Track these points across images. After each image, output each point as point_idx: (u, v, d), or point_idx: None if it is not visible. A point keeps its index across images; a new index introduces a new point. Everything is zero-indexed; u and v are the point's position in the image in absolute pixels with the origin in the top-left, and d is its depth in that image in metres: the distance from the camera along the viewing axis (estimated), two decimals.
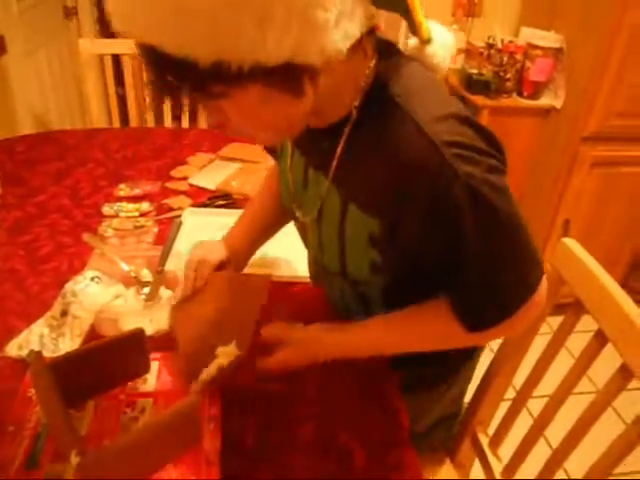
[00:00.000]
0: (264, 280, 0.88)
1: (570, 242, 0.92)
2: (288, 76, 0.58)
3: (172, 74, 0.57)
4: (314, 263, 0.94)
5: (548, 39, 1.94)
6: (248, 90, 0.58)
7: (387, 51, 0.72)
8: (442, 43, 0.75)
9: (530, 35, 2.00)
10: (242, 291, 0.88)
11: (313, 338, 0.84)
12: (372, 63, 0.70)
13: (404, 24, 0.75)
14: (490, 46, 2.00)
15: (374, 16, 0.65)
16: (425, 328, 0.82)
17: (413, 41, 0.75)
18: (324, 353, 0.83)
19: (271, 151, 1.04)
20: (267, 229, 1.07)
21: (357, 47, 0.64)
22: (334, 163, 0.75)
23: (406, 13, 0.68)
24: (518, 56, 1.98)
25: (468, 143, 0.65)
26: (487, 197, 0.65)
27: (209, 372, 0.78)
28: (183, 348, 0.85)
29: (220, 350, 0.79)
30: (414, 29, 0.71)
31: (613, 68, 1.79)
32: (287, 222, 1.05)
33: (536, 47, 1.95)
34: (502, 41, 2.00)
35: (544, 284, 0.75)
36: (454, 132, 0.65)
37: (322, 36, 0.56)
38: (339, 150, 0.74)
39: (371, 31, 0.67)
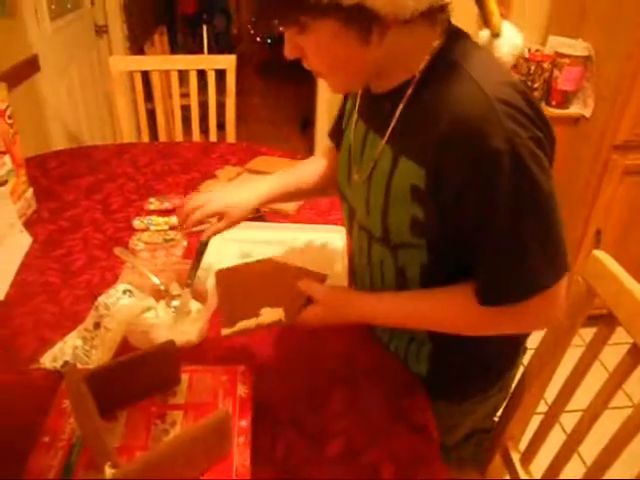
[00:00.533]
0: (321, 278, 0.90)
1: (601, 254, 0.90)
2: (358, 18, 0.65)
3: (265, 2, 0.70)
4: (358, 239, 0.94)
5: (576, 47, 1.92)
6: (324, 25, 0.67)
7: (458, 34, 0.76)
8: (510, 40, 0.78)
9: (558, 44, 1.98)
10: (295, 278, 0.89)
11: (342, 301, 0.88)
12: (442, 38, 0.74)
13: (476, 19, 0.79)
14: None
15: None
16: (445, 303, 0.83)
17: (484, 34, 0.79)
18: (350, 316, 0.88)
19: (333, 137, 1.09)
20: (288, 193, 1.08)
21: (427, 18, 0.70)
22: (392, 123, 0.78)
23: (480, 1, 0.74)
24: (546, 65, 1.96)
25: (520, 107, 0.67)
26: (527, 162, 0.66)
27: (247, 324, 0.83)
28: (223, 301, 0.89)
29: (265, 310, 0.84)
30: (485, 18, 0.76)
31: None
32: (316, 195, 1.15)
33: (564, 56, 1.93)
34: (529, 50, 1.98)
35: (564, 285, 0.75)
36: (509, 95, 0.67)
37: None
38: (399, 110, 0.77)
39: (443, 9, 0.72)
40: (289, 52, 0.76)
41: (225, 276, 0.94)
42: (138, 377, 0.79)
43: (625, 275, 0.86)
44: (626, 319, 0.84)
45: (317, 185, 1.10)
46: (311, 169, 1.12)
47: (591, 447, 0.93)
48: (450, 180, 0.71)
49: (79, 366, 0.88)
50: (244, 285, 0.92)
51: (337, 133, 1.05)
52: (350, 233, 1.00)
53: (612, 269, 0.88)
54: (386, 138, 0.80)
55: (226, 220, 0.99)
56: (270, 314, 0.84)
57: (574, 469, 0.97)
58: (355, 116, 0.92)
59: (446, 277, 0.81)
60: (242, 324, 0.83)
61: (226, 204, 0.99)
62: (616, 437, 0.86)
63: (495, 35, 0.77)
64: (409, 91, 0.76)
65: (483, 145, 0.66)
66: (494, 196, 0.68)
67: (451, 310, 0.83)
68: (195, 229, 1.29)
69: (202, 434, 0.68)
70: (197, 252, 1.01)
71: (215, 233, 1.00)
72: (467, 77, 0.69)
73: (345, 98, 1.00)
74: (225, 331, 0.83)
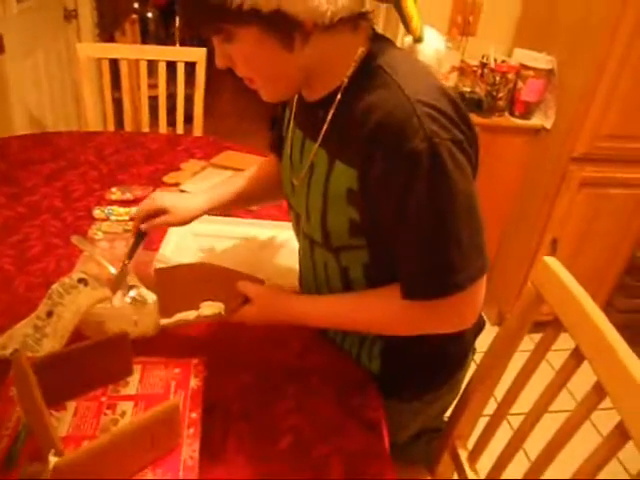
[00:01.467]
0: (259, 282, 0.93)
1: (551, 260, 0.93)
2: (279, 24, 0.68)
3: (190, 9, 0.71)
4: (302, 244, 0.96)
5: (540, 60, 1.97)
6: (247, 32, 0.70)
7: (382, 40, 0.79)
8: (432, 45, 0.82)
9: (523, 56, 2.03)
10: (235, 280, 0.92)
11: (275, 300, 0.91)
12: (367, 43, 0.77)
13: (402, 28, 0.81)
14: (484, 65, 2.04)
15: (367, 2, 0.73)
16: (370, 303, 0.86)
17: (408, 40, 0.82)
18: (283, 316, 0.91)
19: (273, 148, 1.11)
20: (224, 204, 1.11)
21: (349, 25, 0.73)
22: (324, 127, 0.81)
23: (398, 5, 0.76)
24: (510, 76, 2.01)
25: (441, 109, 0.70)
26: (445, 162, 0.69)
27: (187, 315, 0.86)
28: (163, 294, 0.91)
29: (205, 304, 0.87)
30: (405, 23, 0.78)
31: (602, 91, 1.82)
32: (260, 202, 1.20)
33: (528, 68, 1.99)
34: (495, 61, 2.03)
35: (482, 287, 0.78)
36: (431, 97, 0.71)
37: None
38: (330, 115, 0.80)
39: (365, 17, 0.74)
40: (219, 61, 0.78)
41: (165, 273, 0.96)
42: (89, 367, 0.79)
43: (571, 280, 0.89)
44: (571, 324, 0.87)
45: (253, 195, 1.13)
46: (241, 182, 1.13)
47: (536, 446, 0.96)
48: (374, 177, 0.74)
49: (29, 354, 0.87)
50: (184, 283, 0.94)
51: (277, 144, 1.07)
52: (298, 238, 1.02)
53: (560, 275, 0.91)
54: (319, 142, 0.82)
55: (167, 217, 1.03)
56: (210, 307, 0.87)
57: (519, 468, 1.00)
58: (292, 126, 0.93)
59: (390, 275, 0.83)
60: (181, 315, 0.86)
61: (172, 204, 1.03)
62: (556, 437, 0.89)
63: (417, 40, 0.81)
64: (338, 97, 0.78)
65: (403, 145, 0.69)
66: (411, 193, 0.70)
67: (375, 309, 0.86)
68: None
69: (150, 423, 0.68)
70: (135, 240, 1.04)
71: (154, 226, 1.04)
72: (390, 82, 0.72)
73: (283, 108, 1.01)
74: (163, 321, 0.86)
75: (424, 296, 0.78)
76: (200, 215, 1.07)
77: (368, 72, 0.75)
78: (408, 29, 0.79)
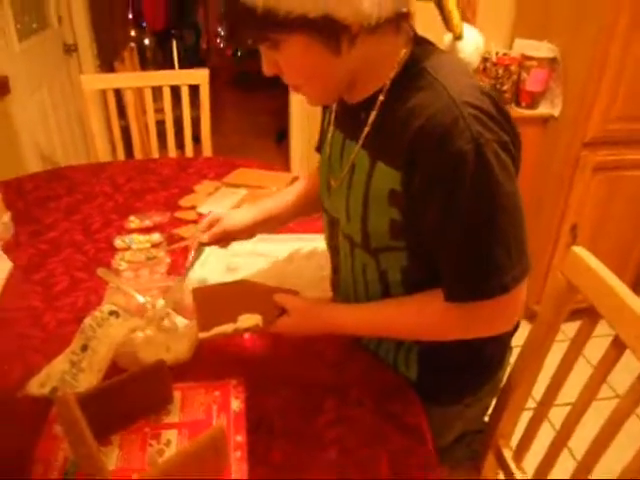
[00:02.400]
0: (293, 294, 0.94)
1: (580, 250, 0.92)
2: (326, 29, 0.68)
3: (237, 20, 0.71)
4: (342, 247, 0.96)
5: (542, 49, 1.97)
6: (294, 39, 0.70)
7: (423, 42, 0.80)
8: (471, 41, 0.83)
9: (524, 46, 2.02)
10: (270, 294, 0.93)
11: (313, 311, 0.91)
12: (409, 45, 0.78)
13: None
14: (485, 59, 2.03)
15: (409, 3, 0.74)
16: (412, 310, 0.86)
17: (447, 37, 0.83)
18: (322, 326, 0.91)
19: (319, 151, 1.10)
20: (272, 218, 1.13)
21: (392, 26, 0.74)
22: (366, 129, 0.81)
23: (440, 4, 0.77)
24: (513, 68, 2.00)
25: (486, 109, 0.70)
26: (490, 163, 0.69)
27: (225, 328, 0.87)
28: (201, 309, 0.92)
29: (243, 317, 0.88)
30: (446, 20, 0.79)
31: (609, 74, 1.81)
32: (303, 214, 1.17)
33: (530, 58, 1.98)
34: (497, 54, 2.02)
35: (525, 288, 0.77)
36: (477, 98, 0.71)
37: None
38: (372, 117, 0.80)
39: (407, 18, 0.75)
40: (267, 69, 0.78)
41: (202, 293, 0.97)
42: (129, 399, 0.79)
43: (605, 270, 0.88)
44: (608, 313, 0.86)
45: (296, 205, 1.14)
46: (291, 192, 1.16)
47: (580, 440, 0.95)
48: (419, 179, 0.73)
49: (68, 391, 0.87)
50: (221, 300, 0.94)
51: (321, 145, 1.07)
52: (332, 246, 1.01)
53: (592, 265, 0.90)
54: (361, 142, 0.82)
55: (222, 222, 1.06)
56: (247, 320, 0.87)
57: (565, 462, 0.99)
58: (332, 127, 0.94)
59: (428, 280, 0.83)
60: (219, 328, 0.87)
61: (226, 214, 1.08)
62: (603, 430, 0.88)
63: (457, 38, 0.81)
64: (381, 99, 0.79)
65: (450, 145, 0.69)
66: (458, 193, 0.70)
67: (415, 314, 0.85)
68: (176, 245, 1.30)
69: (198, 452, 0.68)
70: (196, 252, 1.06)
71: (212, 235, 1.05)
72: (435, 83, 0.72)
73: (323, 112, 1.02)
74: (201, 334, 0.87)
75: (468, 298, 0.77)
76: (252, 224, 1.09)
77: (411, 74, 0.76)
78: (449, 27, 0.81)
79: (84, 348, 0.93)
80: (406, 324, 0.87)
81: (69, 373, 0.91)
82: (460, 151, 0.68)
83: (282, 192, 1.19)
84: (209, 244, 1.07)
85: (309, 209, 1.15)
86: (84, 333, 0.94)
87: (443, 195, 0.72)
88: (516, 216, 0.73)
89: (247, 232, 1.09)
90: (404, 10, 0.73)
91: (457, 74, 0.75)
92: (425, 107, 0.71)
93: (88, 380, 0.90)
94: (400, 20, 0.74)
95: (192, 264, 1.06)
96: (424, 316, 0.85)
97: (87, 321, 0.95)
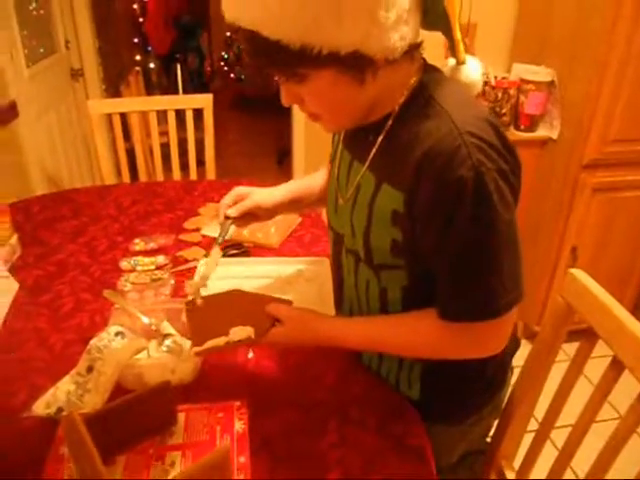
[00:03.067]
0: (287, 303, 0.94)
1: (578, 273, 0.94)
2: (355, 64, 0.71)
3: (267, 57, 0.72)
4: (346, 262, 0.97)
5: (539, 73, 2.01)
6: (323, 74, 0.72)
7: (432, 70, 0.84)
8: (474, 67, 0.86)
9: (522, 71, 2.06)
10: (263, 304, 0.93)
11: (307, 322, 0.91)
12: (419, 73, 0.81)
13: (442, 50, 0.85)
14: (485, 83, 2.07)
15: (419, 33, 0.77)
16: (407, 326, 0.87)
17: (450, 62, 0.86)
18: (315, 337, 0.91)
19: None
20: (302, 198, 1.16)
21: (408, 56, 0.76)
22: (373, 151, 0.84)
23: (448, 32, 0.80)
24: (512, 91, 2.04)
25: (488, 140, 0.73)
26: (489, 191, 0.71)
27: (217, 342, 0.87)
28: (193, 324, 0.92)
29: (235, 329, 0.88)
30: (453, 48, 0.83)
31: (605, 97, 1.84)
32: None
33: (528, 82, 2.02)
34: (495, 78, 2.06)
35: (515, 314, 0.80)
36: (479, 128, 0.73)
37: (383, 32, 0.69)
38: (380, 140, 0.83)
39: (418, 45, 0.78)
40: (287, 100, 0.81)
41: (194, 306, 0.96)
42: (135, 420, 0.80)
43: (603, 292, 0.90)
44: (606, 334, 0.87)
45: (323, 191, 1.15)
46: (319, 176, 1.18)
47: (584, 461, 0.95)
48: (421, 202, 0.76)
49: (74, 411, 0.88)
50: (213, 312, 0.94)
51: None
52: (336, 261, 1.03)
53: (590, 287, 0.91)
54: (367, 164, 0.85)
55: (252, 197, 1.07)
56: (239, 332, 0.87)
57: None
58: (340, 147, 0.97)
59: (426, 299, 0.84)
60: (212, 342, 0.87)
61: (253, 189, 1.09)
62: (605, 450, 0.88)
63: (462, 62, 0.85)
64: (389, 123, 0.81)
65: (451, 172, 0.71)
66: (456, 219, 0.73)
67: (409, 331, 0.87)
68: (182, 267, 1.31)
69: (202, 473, 0.69)
70: (222, 226, 1.05)
71: (241, 209, 1.05)
72: (441, 111, 0.75)
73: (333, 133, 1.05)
74: (195, 349, 0.87)
75: (461, 318, 0.80)
76: (280, 203, 1.10)
77: (419, 101, 0.79)
78: (455, 53, 0.83)
79: (90, 369, 0.94)
80: (399, 340, 0.89)
81: (74, 394, 0.92)
82: (461, 178, 0.70)
83: (310, 176, 1.20)
84: (236, 217, 1.06)
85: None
86: (90, 354, 0.95)
87: (443, 219, 0.74)
88: (512, 244, 0.76)
89: (272, 210, 1.11)
90: (418, 40, 0.77)
91: (463, 104, 0.78)
92: (430, 134, 0.74)
93: (94, 401, 0.91)
94: (414, 49, 0.78)
95: (221, 238, 1.05)
96: (417, 333, 0.86)
97: (93, 342, 0.96)
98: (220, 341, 0.88)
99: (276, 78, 0.78)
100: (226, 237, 1.05)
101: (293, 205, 1.14)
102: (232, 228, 1.06)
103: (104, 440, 0.75)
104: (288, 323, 0.90)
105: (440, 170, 0.72)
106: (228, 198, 1.07)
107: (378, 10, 0.67)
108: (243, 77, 5.26)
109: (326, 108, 0.80)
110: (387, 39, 0.70)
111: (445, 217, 0.74)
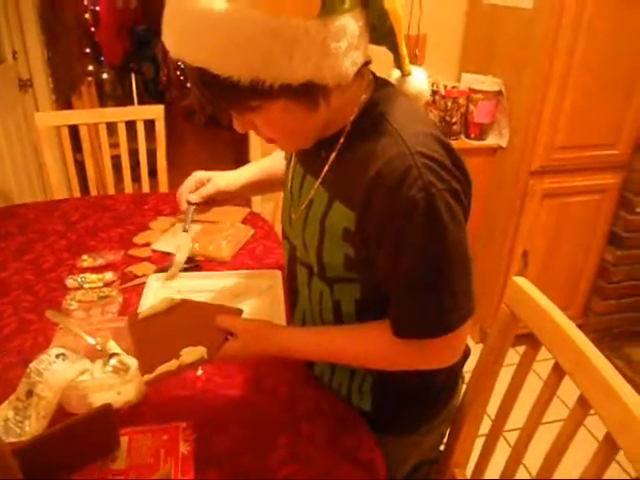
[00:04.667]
0: (237, 313, 0.92)
1: (520, 280, 0.96)
2: (307, 94, 0.71)
3: (217, 91, 0.71)
4: (300, 274, 0.97)
5: (487, 83, 2.06)
6: (276, 104, 0.71)
7: (382, 85, 0.84)
8: (420, 76, 0.87)
9: (471, 80, 2.11)
10: (212, 316, 0.90)
11: (262, 333, 0.90)
12: (370, 89, 0.82)
13: (389, 60, 0.86)
14: (434, 92, 2.11)
15: (368, 49, 0.77)
16: (360, 337, 0.88)
17: (396, 74, 0.87)
18: (270, 348, 0.90)
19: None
20: (269, 177, 1.17)
21: (358, 74, 0.75)
22: (326, 167, 0.84)
23: (394, 48, 0.81)
24: (461, 100, 2.08)
25: (439, 159, 0.73)
26: (440, 211, 0.72)
27: (168, 366, 0.82)
28: (140, 347, 0.88)
29: (186, 350, 0.84)
30: (399, 62, 0.84)
31: (549, 106, 1.90)
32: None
33: (477, 91, 2.07)
34: (445, 87, 2.10)
35: (468, 328, 0.81)
36: (430, 148, 0.74)
37: (335, 62, 0.69)
38: (332, 156, 0.83)
39: (367, 62, 0.78)
40: (240, 127, 0.80)
41: (139, 325, 0.93)
42: (75, 446, 0.78)
43: (544, 299, 0.92)
44: (547, 340, 0.90)
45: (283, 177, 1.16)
46: (279, 161, 1.17)
47: (537, 461, 0.96)
48: (372, 222, 0.76)
49: (12, 439, 0.85)
50: (160, 331, 0.91)
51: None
52: (291, 271, 1.03)
53: (531, 294, 0.93)
54: (320, 180, 0.85)
55: (212, 184, 1.08)
56: (191, 353, 0.84)
57: None
58: (294, 161, 0.97)
59: (380, 312, 0.85)
60: (163, 367, 0.82)
61: (214, 174, 1.10)
62: (552, 451, 0.90)
63: (407, 74, 0.86)
64: (341, 141, 0.82)
65: (402, 193, 0.71)
66: (407, 239, 0.73)
67: (365, 343, 0.87)
68: (131, 284, 1.28)
69: None
70: (187, 212, 1.06)
71: (204, 194, 1.07)
72: (392, 131, 0.76)
73: None
74: (146, 377, 0.82)
75: (414, 335, 0.81)
76: (247, 184, 1.12)
77: (370, 119, 0.79)
78: (401, 65, 0.84)
79: (29, 394, 0.91)
80: (355, 351, 0.89)
81: (13, 420, 0.89)
82: (412, 199, 0.71)
83: (271, 157, 1.20)
84: (199, 204, 1.07)
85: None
86: (29, 378, 0.92)
87: (394, 239, 0.75)
88: (463, 261, 0.77)
89: (236, 195, 1.11)
90: (367, 59, 0.77)
91: (413, 121, 0.78)
92: (381, 154, 0.74)
93: (34, 427, 0.88)
94: (362, 67, 0.77)
95: (187, 225, 1.05)
96: (374, 345, 0.87)
97: (33, 365, 0.93)
98: (171, 365, 0.83)
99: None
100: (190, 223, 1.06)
101: (257, 188, 1.16)
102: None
103: (43, 469, 0.73)
104: (244, 336, 0.88)
105: (391, 191, 0.72)
106: (188, 184, 1.08)
107: (329, 42, 0.67)
108: None
109: (280, 134, 0.81)
110: (339, 67, 0.70)
111: (396, 237, 0.74)
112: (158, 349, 0.87)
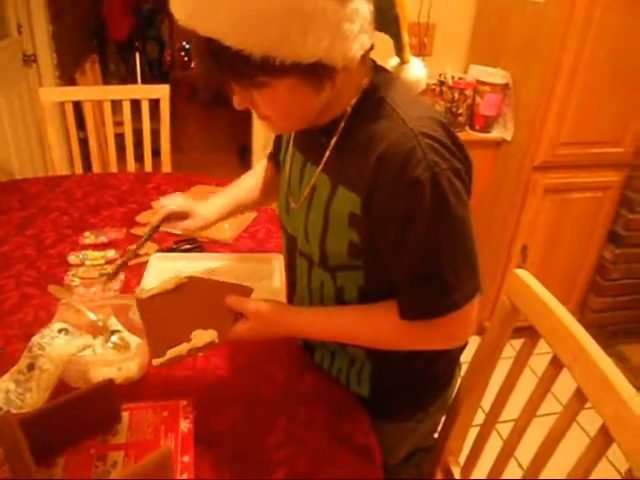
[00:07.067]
0: (247, 291, 0.90)
1: (522, 272, 0.96)
2: (315, 74, 0.70)
3: (224, 64, 0.69)
4: (299, 265, 0.97)
5: (495, 76, 2.04)
6: (282, 82, 0.70)
7: (382, 71, 0.85)
8: (417, 64, 0.88)
9: (478, 72, 2.10)
10: (222, 295, 0.88)
11: (274, 315, 0.89)
12: (370, 74, 0.82)
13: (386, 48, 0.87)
14: (442, 83, 2.10)
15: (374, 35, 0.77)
16: (370, 317, 0.88)
17: (394, 61, 0.88)
18: (281, 329, 0.90)
19: (276, 163, 1.14)
20: (239, 207, 1.19)
21: (362, 59, 0.75)
22: (327, 153, 0.84)
23: (396, 35, 0.82)
24: (468, 92, 2.08)
25: (441, 140, 0.74)
26: (445, 190, 0.72)
27: (179, 350, 0.83)
28: (150, 330, 0.87)
29: (196, 333, 0.84)
30: (400, 49, 0.84)
31: (556, 102, 1.89)
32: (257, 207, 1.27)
33: (484, 83, 2.06)
34: (452, 78, 2.09)
35: (476, 305, 0.82)
36: (431, 128, 0.74)
37: (346, 44, 0.69)
38: (333, 142, 0.83)
39: (370, 48, 0.78)
40: (239, 103, 0.79)
41: (148, 304, 0.90)
42: (76, 419, 0.78)
43: (544, 291, 0.92)
44: (546, 333, 0.90)
45: (256, 200, 1.19)
46: (252, 184, 1.19)
47: (529, 453, 0.97)
48: (378, 204, 0.77)
49: (13, 411, 0.85)
50: (170, 311, 0.89)
51: (275, 156, 1.12)
52: (289, 262, 1.03)
53: (532, 286, 0.94)
54: (322, 166, 0.85)
55: (190, 221, 1.11)
56: (202, 337, 0.83)
57: (514, 476, 1.02)
58: (291, 149, 0.96)
59: (384, 297, 0.85)
60: (173, 351, 0.82)
61: (193, 209, 1.12)
62: (544, 444, 0.91)
63: (406, 61, 0.87)
64: (342, 125, 0.82)
65: (408, 174, 0.72)
66: (414, 219, 0.74)
67: (374, 324, 0.87)
68: (133, 262, 1.29)
69: (143, 473, 0.68)
70: (147, 234, 1.08)
71: (180, 228, 1.14)
72: (393, 114, 0.76)
73: None
74: (156, 361, 0.82)
75: (422, 316, 0.81)
76: (218, 220, 1.15)
77: (371, 102, 0.79)
78: (401, 53, 0.85)
79: (31, 367, 0.91)
80: (364, 332, 0.89)
81: (14, 392, 0.89)
82: (417, 179, 0.72)
83: (248, 176, 1.22)
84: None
85: (261, 203, 1.22)
86: (31, 352, 0.92)
87: (400, 219, 0.75)
88: (467, 238, 0.78)
89: (213, 224, 1.15)
90: (371, 43, 0.77)
91: (413, 104, 0.79)
92: (384, 136, 0.75)
93: (35, 399, 0.89)
94: (365, 53, 0.77)
95: (139, 247, 1.09)
96: (383, 326, 0.87)
97: (35, 339, 0.93)
98: (182, 349, 0.83)
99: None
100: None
101: (231, 215, 1.18)
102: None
103: (44, 440, 0.74)
104: (254, 318, 0.87)
105: (397, 171, 0.73)
106: (159, 217, 1.10)
107: (344, 24, 0.67)
108: None
109: (280, 112, 0.79)
110: (349, 49, 0.70)
111: (403, 218, 0.75)
112: (168, 331, 0.85)
